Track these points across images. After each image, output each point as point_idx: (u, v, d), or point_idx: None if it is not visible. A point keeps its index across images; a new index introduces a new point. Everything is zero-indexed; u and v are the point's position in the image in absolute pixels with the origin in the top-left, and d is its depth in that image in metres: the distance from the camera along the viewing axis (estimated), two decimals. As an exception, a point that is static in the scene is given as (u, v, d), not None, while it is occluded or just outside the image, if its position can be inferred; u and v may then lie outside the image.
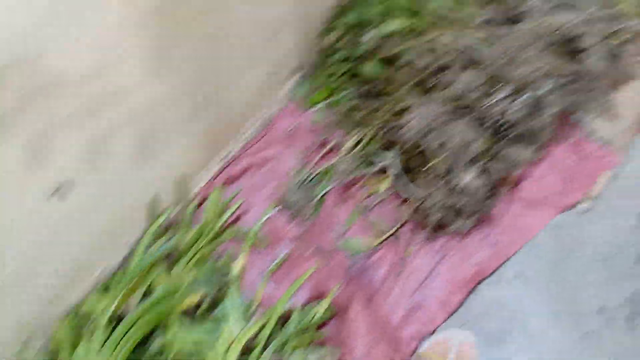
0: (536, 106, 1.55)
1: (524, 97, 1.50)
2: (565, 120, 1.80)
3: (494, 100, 1.48)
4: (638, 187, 1.79)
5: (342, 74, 1.88)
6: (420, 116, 1.51)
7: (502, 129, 1.55)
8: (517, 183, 1.76)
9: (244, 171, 1.84)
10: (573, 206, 1.76)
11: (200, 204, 1.75)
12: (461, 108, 1.55)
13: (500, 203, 1.73)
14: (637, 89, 1.82)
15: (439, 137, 1.52)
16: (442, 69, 1.60)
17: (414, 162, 1.63)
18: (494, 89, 1.51)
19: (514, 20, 1.71)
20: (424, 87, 1.64)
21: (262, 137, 1.90)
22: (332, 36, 1.90)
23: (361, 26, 1.88)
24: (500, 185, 1.71)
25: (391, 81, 1.73)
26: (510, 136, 1.57)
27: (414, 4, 1.78)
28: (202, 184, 1.78)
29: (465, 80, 1.53)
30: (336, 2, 1.91)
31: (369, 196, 1.77)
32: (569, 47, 1.61)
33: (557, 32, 1.58)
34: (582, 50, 1.59)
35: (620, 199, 1.78)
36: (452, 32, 1.65)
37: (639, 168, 1.81)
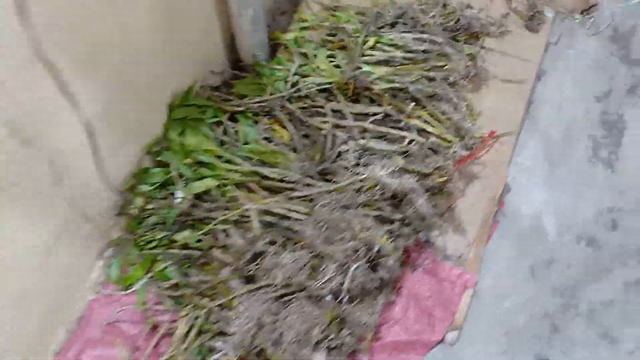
0: (373, 263, 1.38)
1: (356, 265, 1.31)
2: (414, 248, 1.65)
3: (325, 278, 1.28)
4: (499, 303, 1.68)
5: (158, 243, 1.59)
6: (246, 313, 1.27)
7: (342, 298, 1.35)
8: (378, 331, 1.57)
9: (57, 395, 1.48)
10: (442, 339, 1.60)
11: None
12: (290, 293, 1.33)
13: (366, 357, 1.53)
14: (472, 201, 1.72)
15: (274, 330, 1.29)
16: (261, 252, 1.38)
17: (254, 357, 1.38)
18: (322, 265, 1.31)
19: (327, 172, 1.53)
20: (246, 272, 1.40)
21: (75, 340, 1.55)
22: (139, 202, 1.61)
23: (168, 185, 1.62)
24: (361, 340, 1.51)
25: (211, 257, 1.48)
26: (354, 300, 1.38)
27: (216, 159, 1.54)
28: None
29: (288, 262, 1.31)
30: (136, 163, 1.63)
31: (217, 388, 1.49)
32: (390, 195, 1.45)
33: (375, 185, 1.42)
34: (405, 195, 1.44)
35: (486, 319, 1.66)
36: (264, 198, 1.45)
37: (495, 283, 1.71)
